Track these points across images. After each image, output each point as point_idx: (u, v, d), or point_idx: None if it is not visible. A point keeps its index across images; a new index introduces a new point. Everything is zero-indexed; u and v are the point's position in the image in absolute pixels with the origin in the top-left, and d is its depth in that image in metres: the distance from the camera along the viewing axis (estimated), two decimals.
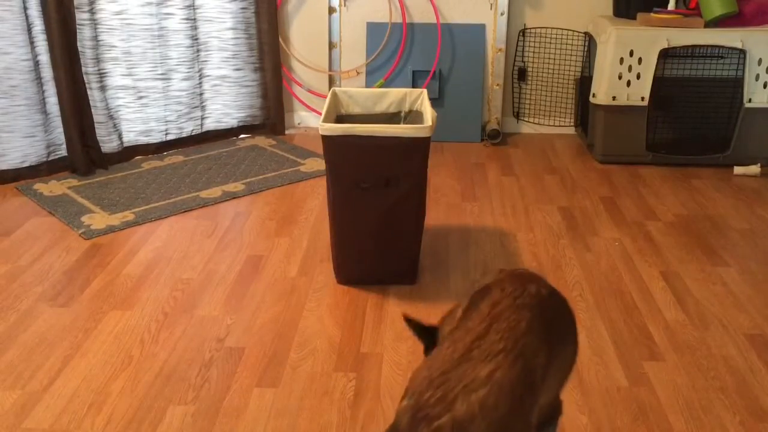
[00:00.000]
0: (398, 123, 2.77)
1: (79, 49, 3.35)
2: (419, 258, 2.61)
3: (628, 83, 3.55)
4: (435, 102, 3.99)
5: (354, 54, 4.07)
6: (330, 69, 4.10)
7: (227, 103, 3.96)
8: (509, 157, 3.82)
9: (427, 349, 1.64)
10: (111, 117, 3.56)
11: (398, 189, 2.42)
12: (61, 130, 3.43)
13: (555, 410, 1.60)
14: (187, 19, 3.68)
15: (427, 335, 1.62)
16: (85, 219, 3.01)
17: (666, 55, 3.53)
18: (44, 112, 3.38)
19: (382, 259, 2.52)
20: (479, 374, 1.18)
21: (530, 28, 4.01)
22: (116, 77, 3.55)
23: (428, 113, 2.50)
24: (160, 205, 3.16)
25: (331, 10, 4.00)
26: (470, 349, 1.24)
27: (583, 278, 2.61)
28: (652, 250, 2.82)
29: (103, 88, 3.50)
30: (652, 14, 3.57)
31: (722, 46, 3.50)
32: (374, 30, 4.00)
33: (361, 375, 2.08)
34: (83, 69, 3.38)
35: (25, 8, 3.20)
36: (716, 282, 2.60)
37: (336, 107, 2.73)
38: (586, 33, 3.95)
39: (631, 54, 3.52)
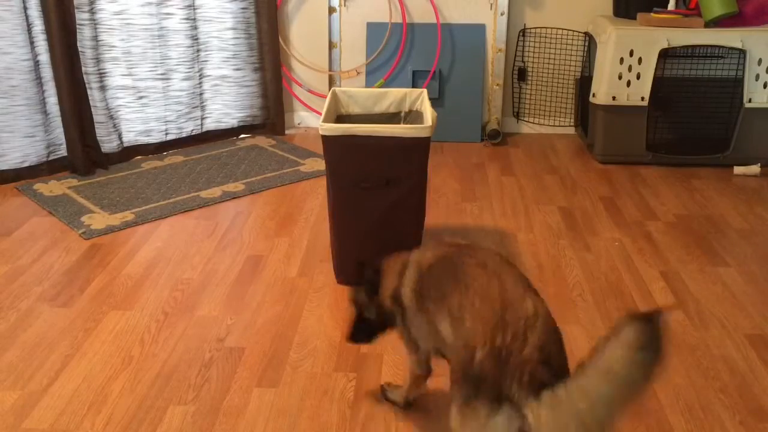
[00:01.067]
0: (398, 123, 2.77)
1: (79, 49, 3.35)
2: None
3: (628, 83, 3.55)
4: (435, 102, 3.99)
5: (354, 54, 4.07)
6: (330, 69, 4.10)
7: (227, 103, 3.96)
8: (509, 157, 3.82)
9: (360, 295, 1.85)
10: (111, 117, 3.56)
11: (398, 189, 2.42)
12: (61, 130, 3.42)
13: None
14: (187, 19, 3.68)
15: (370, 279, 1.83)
16: (85, 219, 3.01)
17: (666, 55, 3.53)
18: (44, 112, 3.38)
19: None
20: (528, 311, 1.40)
21: (530, 28, 4.01)
22: (116, 77, 3.55)
23: (428, 113, 2.50)
24: (160, 205, 3.16)
25: (331, 10, 4.00)
26: (503, 299, 1.44)
27: (583, 278, 2.61)
28: (652, 250, 2.82)
29: (103, 88, 3.50)
30: (652, 14, 3.57)
31: (722, 46, 3.49)
32: (374, 30, 4.00)
33: (361, 375, 2.08)
34: (83, 69, 3.38)
35: (25, 8, 3.20)
36: (716, 282, 2.60)
37: (336, 107, 2.73)
38: (586, 33, 3.95)
39: (631, 54, 3.52)
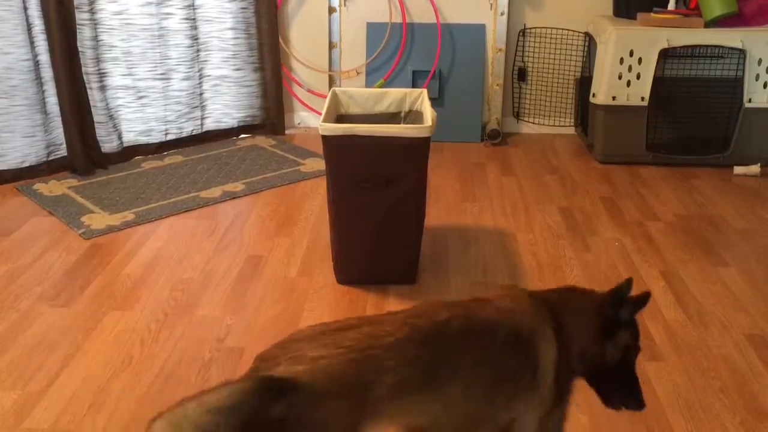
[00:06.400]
0: (398, 123, 2.77)
1: (79, 49, 3.35)
2: (419, 258, 2.61)
3: (628, 83, 3.55)
4: (435, 102, 3.99)
5: (354, 54, 4.07)
6: (330, 69, 4.10)
7: (227, 103, 3.96)
8: (509, 157, 3.82)
9: None
10: (111, 117, 3.56)
11: (398, 189, 2.42)
12: (61, 130, 3.42)
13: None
14: (187, 19, 3.68)
15: None
16: (85, 219, 3.01)
17: (666, 55, 3.53)
18: (44, 112, 3.38)
19: (382, 259, 2.52)
20: (310, 354, 1.23)
21: (530, 28, 4.01)
22: (116, 77, 3.55)
23: (428, 113, 2.50)
24: (160, 205, 3.16)
25: (331, 10, 4.00)
26: (325, 334, 1.28)
27: (583, 278, 2.61)
28: (652, 250, 2.82)
29: (103, 88, 3.50)
30: (652, 14, 3.57)
31: (722, 46, 3.50)
32: (374, 30, 4.00)
33: None
34: (83, 69, 3.38)
35: (25, 8, 3.20)
36: (716, 282, 2.60)
37: (336, 107, 2.73)
38: (586, 33, 3.95)
39: (631, 54, 3.52)
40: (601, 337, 1.44)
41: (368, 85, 4.04)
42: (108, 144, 3.55)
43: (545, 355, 1.39)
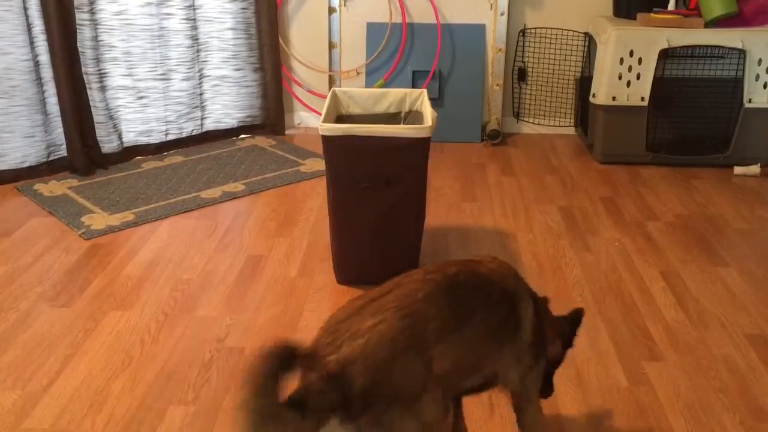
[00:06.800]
0: (398, 123, 2.77)
1: (79, 49, 3.35)
2: (419, 258, 2.61)
3: (628, 83, 3.55)
4: (435, 102, 3.99)
5: (354, 54, 4.07)
6: (330, 69, 4.10)
7: (227, 103, 3.96)
8: (509, 157, 3.82)
9: None
10: (111, 117, 3.56)
11: (398, 189, 2.42)
12: (61, 130, 3.42)
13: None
14: (187, 19, 3.68)
15: None
16: (85, 219, 3.01)
17: (666, 55, 3.53)
18: (44, 113, 3.38)
19: (382, 259, 2.52)
20: (364, 325, 1.35)
21: (530, 28, 4.01)
22: (116, 77, 3.55)
23: (428, 113, 2.50)
24: (160, 205, 3.16)
25: (331, 10, 4.00)
26: (364, 306, 1.40)
27: (583, 278, 2.61)
28: (652, 250, 2.82)
29: (103, 88, 3.50)
30: (652, 14, 3.57)
31: (722, 46, 3.50)
32: (374, 30, 4.00)
33: None
34: (83, 69, 3.38)
35: (25, 8, 3.20)
36: (716, 282, 2.60)
37: (336, 107, 2.73)
38: (586, 33, 3.95)
39: (631, 54, 3.52)
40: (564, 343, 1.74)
41: (368, 85, 4.04)
42: (108, 144, 3.55)
43: (525, 314, 1.59)
